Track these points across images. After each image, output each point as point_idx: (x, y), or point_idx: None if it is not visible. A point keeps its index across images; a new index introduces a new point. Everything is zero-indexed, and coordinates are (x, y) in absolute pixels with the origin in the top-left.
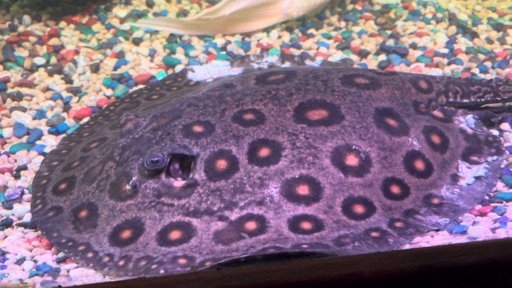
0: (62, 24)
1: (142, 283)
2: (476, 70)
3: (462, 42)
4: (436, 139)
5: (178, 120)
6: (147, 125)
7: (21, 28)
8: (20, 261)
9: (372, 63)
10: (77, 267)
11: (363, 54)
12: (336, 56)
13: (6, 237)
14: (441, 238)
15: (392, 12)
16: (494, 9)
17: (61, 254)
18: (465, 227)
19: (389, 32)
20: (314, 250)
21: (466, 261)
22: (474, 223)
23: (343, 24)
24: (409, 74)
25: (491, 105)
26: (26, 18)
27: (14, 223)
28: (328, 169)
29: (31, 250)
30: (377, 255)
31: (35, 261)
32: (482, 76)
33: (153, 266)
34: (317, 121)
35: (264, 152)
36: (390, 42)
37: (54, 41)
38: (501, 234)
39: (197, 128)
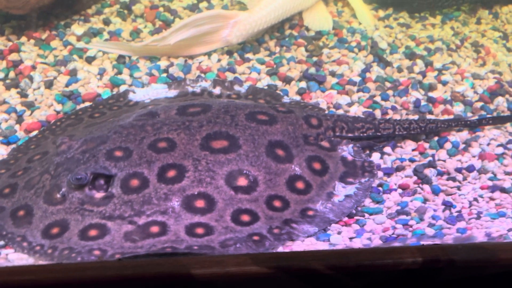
0: (23, 39)
1: (58, 267)
2: (378, 98)
3: (375, 71)
4: (317, 165)
5: (104, 145)
6: (78, 148)
7: None
8: None
9: (293, 89)
10: (14, 252)
11: (287, 80)
12: (264, 81)
13: None
14: (308, 243)
15: (323, 39)
16: (414, 38)
17: (1, 242)
18: (329, 235)
19: (315, 59)
20: (201, 251)
21: (312, 266)
22: (339, 232)
23: (278, 49)
24: (305, 112)
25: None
26: None
27: None
28: (222, 188)
29: None
30: (244, 256)
31: None
32: (382, 103)
33: (73, 255)
34: (218, 149)
35: (171, 173)
36: (313, 70)
37: (13, 56)
38: (356, 243)
39: (118, 153)
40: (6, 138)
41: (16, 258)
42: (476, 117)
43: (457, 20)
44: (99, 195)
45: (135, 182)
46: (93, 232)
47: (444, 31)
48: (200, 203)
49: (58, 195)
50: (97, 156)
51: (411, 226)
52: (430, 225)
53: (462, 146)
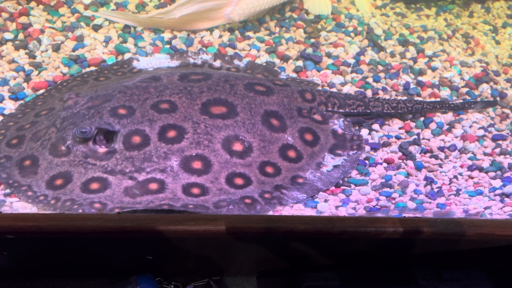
0: (32, 4)
1: (60, 216)
2: (370, 79)
3: (369, 54)
4: (308, 136)
5: (108, 103)
6: (84, 104)
7: None
8: None
9: (290, 67)
10: (19, 201)
11: (285, 58)
12: (263, 58)
13: None
14: (297, 209)
15: (321, 22)
16: (408, 27)
17: (7, 190)
18: (317, 203)
19: (313, 40)
20: (195, 210)
21: (299, 228)
22: (325, 200)
23: (277, 29)
24: (300, 87)
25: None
26: None
27: None
28: (218, 151)
29: None
30: (236, 216)
31: None
32: (374, 84)
33: (75, 206)
34: (217, 115)
35: (171, 133)
36: (310, 50)
37: (23, 19)
38: (342, 211)
39: (121, 111)
40: (14, 94)
41: (20, 206)
42: (460, 101)
43: (450, 12)
44: (102, 149)
45: (136, 139)
46: (94, 186)
47: (438, 22)
48: (197, 164)
49: (63, 147)
50: (101, 113)
51: (394, 199)
52: (412, 199)
53: (446, 127)
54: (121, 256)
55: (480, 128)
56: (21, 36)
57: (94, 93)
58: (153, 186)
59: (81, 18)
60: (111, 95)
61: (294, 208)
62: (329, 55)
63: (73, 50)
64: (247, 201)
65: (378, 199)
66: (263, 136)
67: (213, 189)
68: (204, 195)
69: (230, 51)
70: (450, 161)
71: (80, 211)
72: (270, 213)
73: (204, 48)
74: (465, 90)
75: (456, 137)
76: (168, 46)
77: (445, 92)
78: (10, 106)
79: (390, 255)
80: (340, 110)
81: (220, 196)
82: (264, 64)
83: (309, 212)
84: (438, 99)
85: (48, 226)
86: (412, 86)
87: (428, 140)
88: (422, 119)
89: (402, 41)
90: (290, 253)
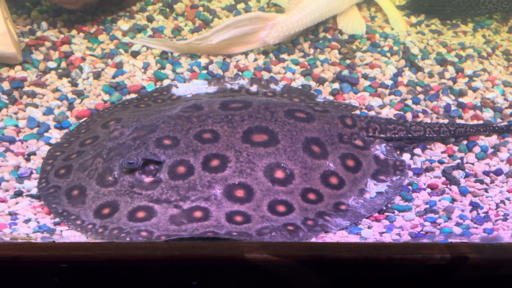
0: (73, 32)
1: (111, 245)
2: (409, 102)
3: (407, 75)
4: (350, 162)
5: (153, 133)
6: (129, 134)
7: (39, 33)
8: (27, 221)
9: (327, 89)
10: (68, 229)
11: (321, 81)
12: (298, 81)
13: (17, 203)
14: (340, 235)
15: (356, 42)
16: (445, 44)
17: (57, 219)
18: (360, 229)
19: (348, 61)
20: (239, 238)
21: (345, 256)
22: (369, 227)
23: (312, 51)
24: (340, 112)
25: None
26: (44, 24)
27: (24, 194)
28: (261, 179)
29: (35, 214)
30: (281, 244)
31: (38, 222)
32: (413, 106)
33: (122, 235)
34: (258, 143)
35: (214, 163)
36: (346, 72)
37: (65, 47)
38: (386, 238)
39: (166, 141)
40: (59, 123)
41: (70, 235)
42: (505, 123)
43: (488, 28)
44: (148, 179)
45: (181, 169)
46: (141, 214)
47: (476, 39)
48: (240, 193)
49: (110, 178)
50: (147, 143)
51: (439, 224)
52: (458, 224)
53: (490, 150)
54: (165, 282)
55: None
56: (63, 64)
57: (139, 124)
58: (198, 214)
59: (119, 44)
60: (155, 125)
61: (337, 234)
62: (365, 76)
63: (113, 77)
64: (290, 228)
65: (423, 225)
66: (305, 163)
67: (255, 217)
68: (247, 222)
69: (265, 75)
70: (496, 185)
71: (128, 239)
72: (313, 240)
73: (240, 73)
74: (509, 111)
75: (502, 160)
76: (205, 71)
77: (488, 114)
78: (55, 135)
79: (437, 281)
80: (382, 135)
81: (263, 223)
82: (300, 87)
83: (353, 238)
84: (481, 122)
85: (100, 255)
86: (453, 108)
87: (472, 164)
88: (465, 142)
89: (440, 60)
90: (334, 279)
